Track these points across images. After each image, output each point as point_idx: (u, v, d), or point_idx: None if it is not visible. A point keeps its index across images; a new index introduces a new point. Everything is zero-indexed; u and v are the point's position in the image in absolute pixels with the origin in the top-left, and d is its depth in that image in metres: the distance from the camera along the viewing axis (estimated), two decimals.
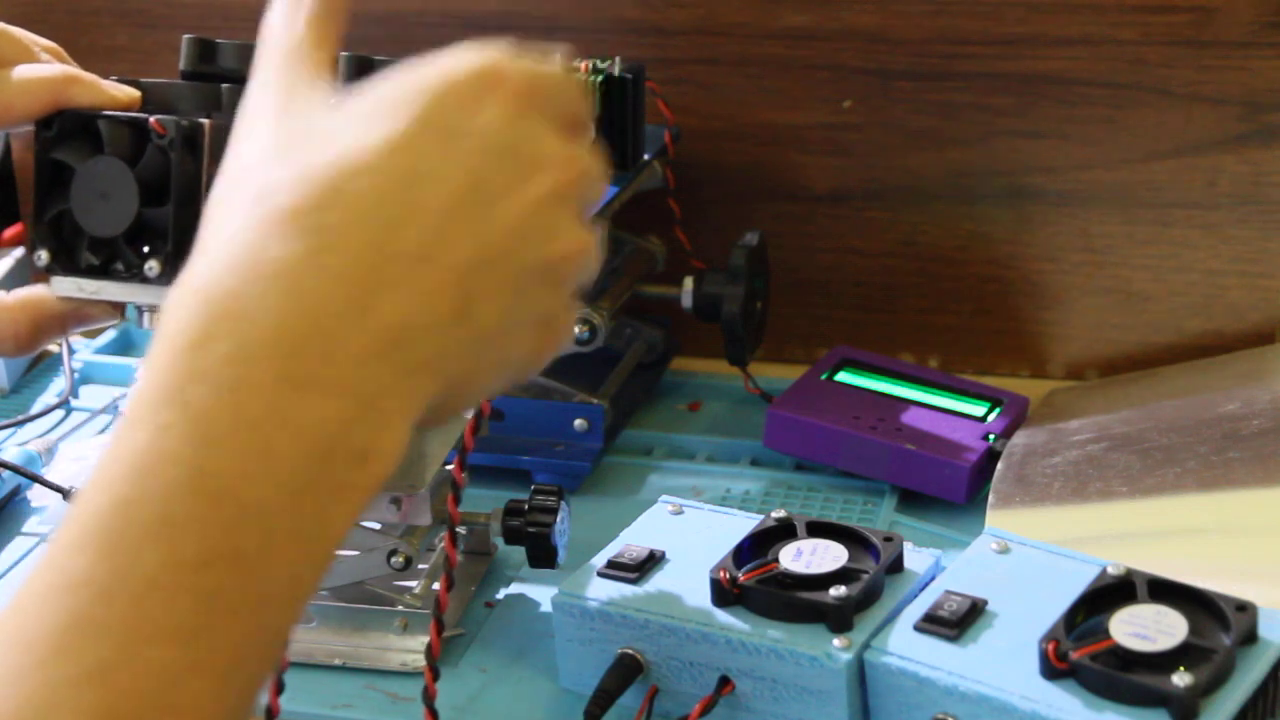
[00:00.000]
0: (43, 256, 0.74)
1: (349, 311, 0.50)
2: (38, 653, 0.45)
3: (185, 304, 0.50)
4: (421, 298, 0.51)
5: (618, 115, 0.96)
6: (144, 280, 0.72)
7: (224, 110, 0.74)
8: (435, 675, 0.67)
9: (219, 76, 0.76)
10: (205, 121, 0.73)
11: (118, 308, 0.74)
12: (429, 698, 0.67)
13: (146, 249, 0.73)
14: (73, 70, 0.74)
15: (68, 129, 0.73)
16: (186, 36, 0.76)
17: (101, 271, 0.73)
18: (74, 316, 0.74)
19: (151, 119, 0.72)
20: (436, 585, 0.80)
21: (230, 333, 0.49)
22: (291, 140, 0.53)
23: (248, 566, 0.47)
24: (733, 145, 1.05)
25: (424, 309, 0.51)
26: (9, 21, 1.13)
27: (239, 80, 0.75)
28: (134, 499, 0.47)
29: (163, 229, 0.72)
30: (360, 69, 0.73)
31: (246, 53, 0.75)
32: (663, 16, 1.04)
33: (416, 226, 0.51)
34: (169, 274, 0.72)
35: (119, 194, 0.72)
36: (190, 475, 0.47)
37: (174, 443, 0.47)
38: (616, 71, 0.96)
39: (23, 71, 0.73)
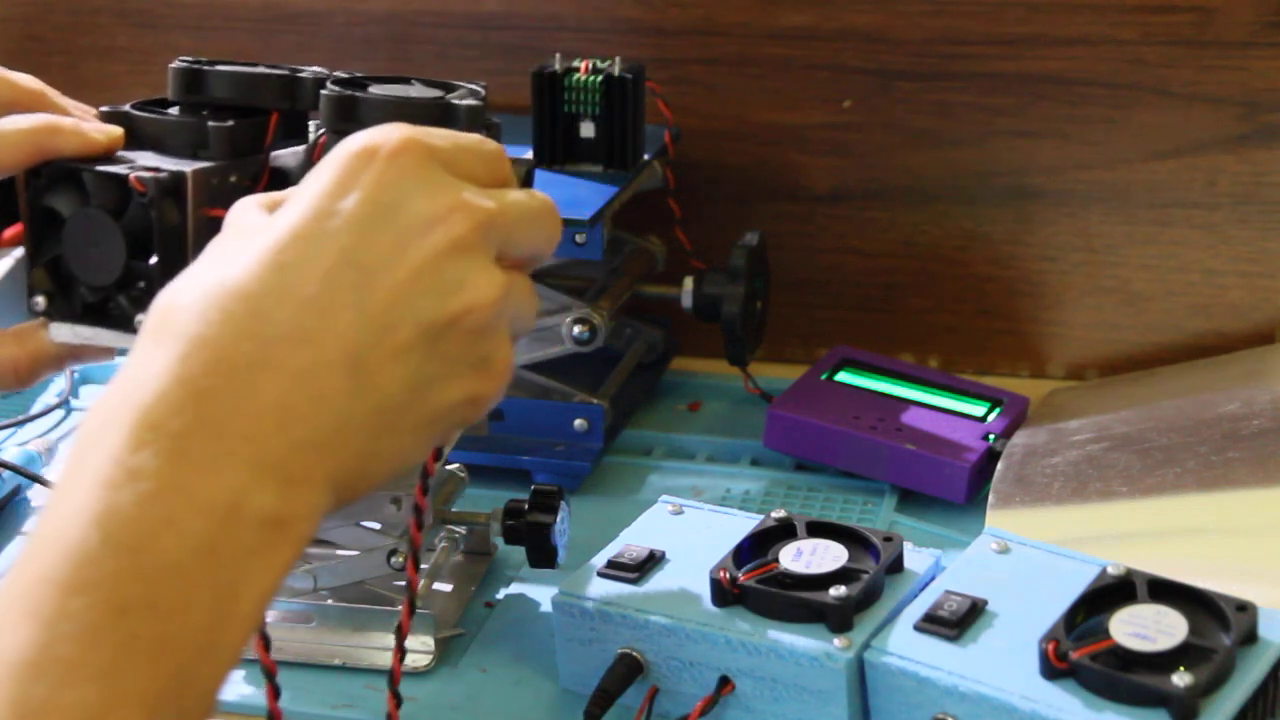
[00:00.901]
0: (40, 302, 0.74)
1: (229, 397, 0.52)
2: None
3: (93, 406, 0.54)
4: (303, 377, 0.54)
5: (618, 115, 0.96)
6: (135, 331, 0.72)
7: (211, 149, 0.74)
8: (412, 608, 0.67)
9: (210, 104, 0.76)
10: (187, 171, 0.72)
11: (112, 350, 0.75)
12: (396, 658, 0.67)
13: (136, 300, 0.73)
14: (54, 120, 0.74)
15: (56, 178, 0.73)
16: (173, 66, 0.76)
17: (97, 317, 0.73)
18: (71, 354, 0.75)
19: (131, 176, 0.71)
20: (436, 585, 0.81)
21: (124, 422, 0.52)
22: (207, 263, 0.56)
23: (164, 615, 0.49)
24: (733, 145, 1.05)
25: (307, 389, 0.54)
26: (10, 20, 1.14)
27: (229, 108, 0.75)
28: (59, 556, 0.49)
29: (151, 282, 0.72)
30: (345, 104, 0.72)
31: (237, 79, 0.75)
32: (663, 16, 1.04)
33: (289, 309, 0.54)
34: None
35: (107, 245, 0.72)
36: (103, 535, 0.50)
37: (87, 503, 0.50)
38: (616, 71, 0.96)
39: (5, 124, 0.73)
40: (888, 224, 1.04)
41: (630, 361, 1.01)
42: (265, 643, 0.63)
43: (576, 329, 0.92)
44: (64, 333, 0.74)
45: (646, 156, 0.99)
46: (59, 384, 1.05)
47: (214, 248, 0.58)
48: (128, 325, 0.73)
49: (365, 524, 0.78)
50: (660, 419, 1.02)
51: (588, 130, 0.96)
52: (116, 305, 0.73)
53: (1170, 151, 0.99)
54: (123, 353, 0.89)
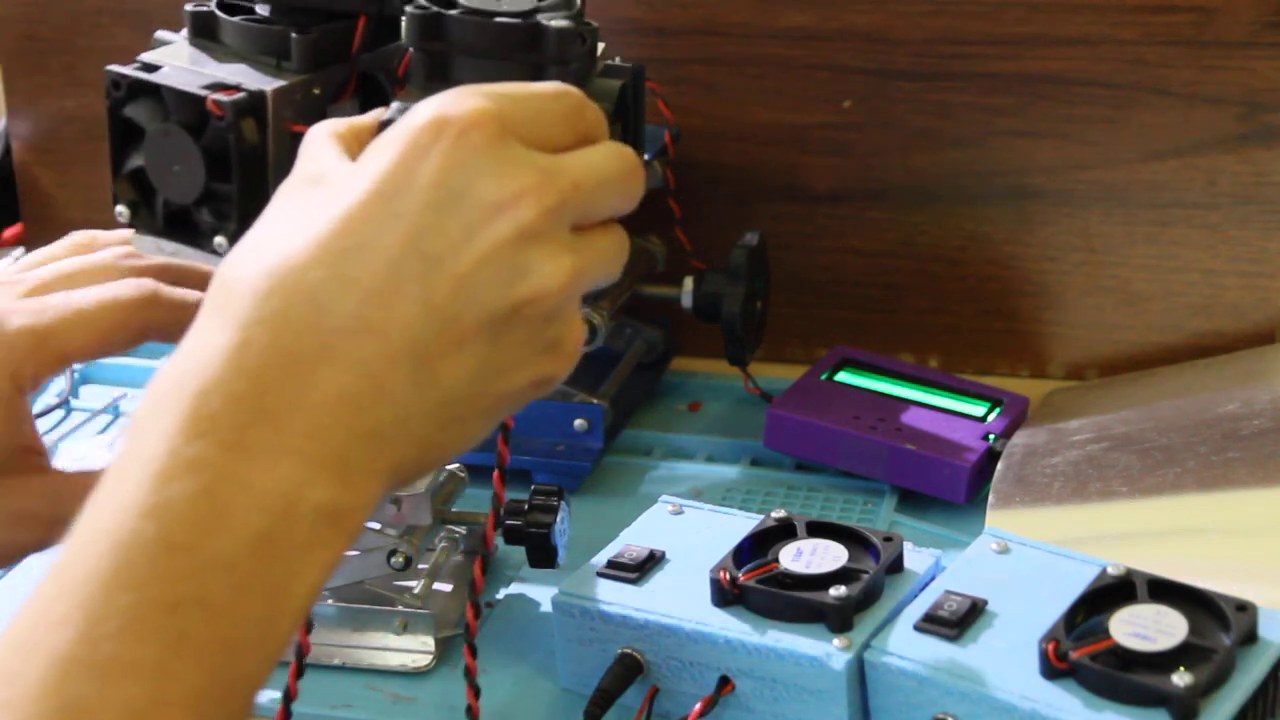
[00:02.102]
0: (123, 212, 0.73)
1: (289, 388, 0.51)
2: (24, 688, 0.47)
3: (149, 386, 0.52)
4: (364, 371, 0.52)
5: (618, 115, 0.96)
6: (216, 253, 0.71)
7: (294, 62, 0.71)
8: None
9: (298, 6, 0.74)
10: (267, 91, 0.70)
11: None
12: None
13: (217, 221, 0.71)
14: (153, 289, 0.70)
15: (135, 90, 0.71)
16: None
17: (180, 231, 0.72)
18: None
19: (209, 99, 0.69)
20: (436, 585, 0.81)
21: (180, 407, 0.51)
22: (272, 227, 0.55)
23: (215, 612, 0.49)
24: (733, 145, 1.05)
25: (369, 382, 0.52)
26: (10, 20, 1.14)
27: (316, 10, 0.73)
28: (107, 550, 0.49)
29: (231, 203, 0.70)
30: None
31: None
32: (663, 16, 1.04)
33: (353, 299, 0.52)
34: None
35: (186, 164, 0.70)
36: (156, 528, 0.49)
37: (140, 495, 0.49)
38: None
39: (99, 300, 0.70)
40: (888, 224, 1.04)
41: (630, 361, 1.01)
42: (307, 625, 0.63)
43: None
44: (147, 245, 0.72)
45: (646, 156, 0.99)
46: (59, 384, 1.05)
47: (282, 202, 0.56)
48: (209, 243, 0.71)
49: (365, 524, 0.78)
50: (660, 419, 1.02)
51: None
52: (199, 220, 0.71)
53: (1170, 151, 0.99)
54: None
